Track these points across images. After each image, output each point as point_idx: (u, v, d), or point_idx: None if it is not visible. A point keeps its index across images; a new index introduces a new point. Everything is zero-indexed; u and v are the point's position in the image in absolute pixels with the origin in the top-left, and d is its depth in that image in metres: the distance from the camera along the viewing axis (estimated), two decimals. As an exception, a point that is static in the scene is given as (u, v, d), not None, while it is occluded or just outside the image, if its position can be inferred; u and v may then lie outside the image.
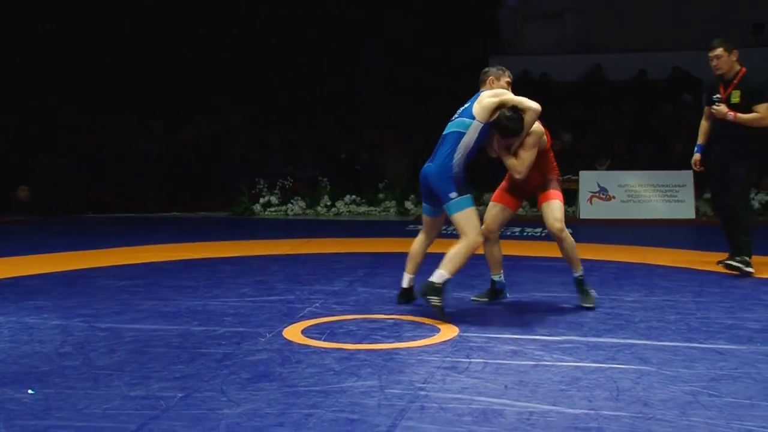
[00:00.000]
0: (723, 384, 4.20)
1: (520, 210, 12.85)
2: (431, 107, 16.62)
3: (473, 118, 5.69)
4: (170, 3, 17.79)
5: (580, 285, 6.08)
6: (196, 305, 6.21)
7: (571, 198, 13.05)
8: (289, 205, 13.91)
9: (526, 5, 20.15)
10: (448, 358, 4.73)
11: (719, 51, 7.60)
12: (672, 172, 12.85)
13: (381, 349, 4.94)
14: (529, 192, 6.27)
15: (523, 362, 4.64)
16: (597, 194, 12.72)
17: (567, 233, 5.99)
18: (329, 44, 18.28)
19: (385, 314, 5.89)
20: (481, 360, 4.70)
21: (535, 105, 5.72)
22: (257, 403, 3.94)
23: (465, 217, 5.62)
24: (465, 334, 5.29)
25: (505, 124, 5.70)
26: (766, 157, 7.72)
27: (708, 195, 12.70)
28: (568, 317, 5.77)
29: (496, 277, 6.33)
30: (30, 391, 4.13)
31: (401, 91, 17.47)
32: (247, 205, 13.88)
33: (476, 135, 5.69)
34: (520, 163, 5.86)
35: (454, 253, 5.59)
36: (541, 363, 4.62)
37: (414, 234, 10.71)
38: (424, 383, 4.25)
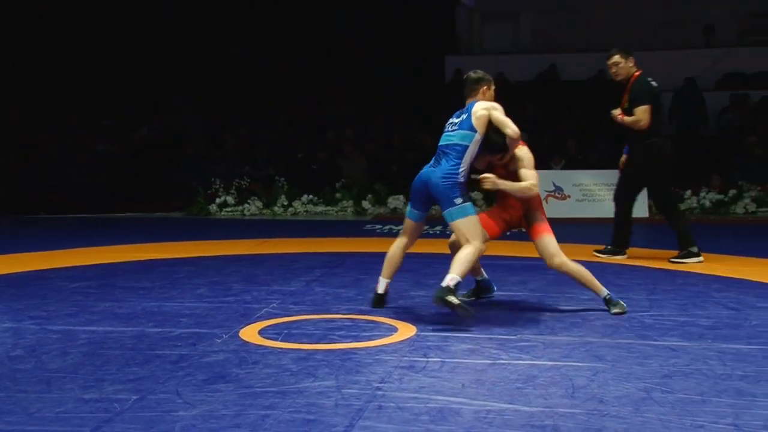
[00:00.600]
0: (675, 380, 4.25)
1: (478, 208, 13.03)
2: (388, 107, 16.69)
3: (475, 131, 5.66)
4: (125, 1, 17.65)
5: (609, 303, 5.90)
6: (152, 307, 6.16)
7: (527, 197, 13.17)
8: (246, 205, 13.84)
9: (482, 5, 20.26)
10: (405, 358, 4.73)
11: (617, 58, 8.16)
12: (626, 171, 12.95)
13: (338, 349, 4.93)
14: (513, 223, 6.08)
15: (479, 361, 4.66)
16: (552, 193, 12.81)
17: (568, 264, 5.84)
18: (285, 43, 18.24)
19: (342, 314, 5.89)
20: (438, 359, 4.71)
21: (513, 131, 5.65)
22: (213, 405, 3.91)
23: (469, 223, 5.59)
24: (422, 333, 5.30)
25: (494, 139, 5.68)
26: (668, 153, 8.20)
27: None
28: (524, 316, 5.81)
29: (479, 277, 6.29)
30: (-19, 395, 4.07)
31: (358, 90, 17.48)
32: (203, 205, 13.79)
33: (476, 148, 5.68)
34: (531, 182, 5.81)
35: (463, 257, 5.50)
36: (497, 361, 4.64)
37: (371, 233, 10.75)
38: (381, 383, 4.25)
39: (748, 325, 5.48)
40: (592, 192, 12.87)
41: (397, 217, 12.56)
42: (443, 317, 5.75)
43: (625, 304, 5.88)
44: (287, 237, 10.67)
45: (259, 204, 13.82)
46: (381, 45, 18.21)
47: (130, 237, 10.70)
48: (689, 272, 7.52)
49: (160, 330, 5.43)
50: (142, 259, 8.55)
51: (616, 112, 8.19)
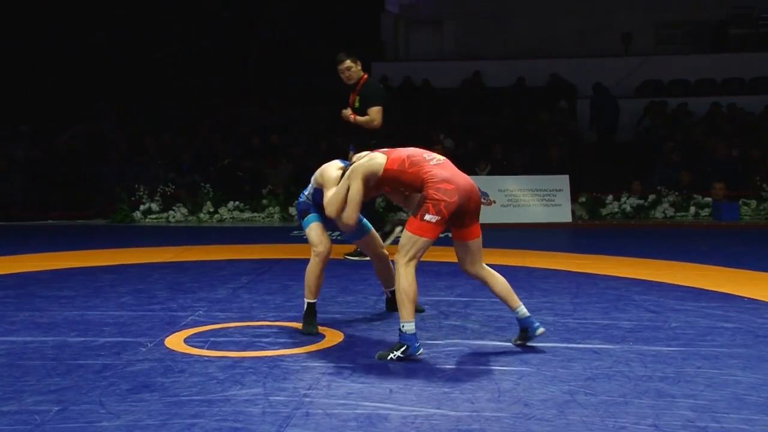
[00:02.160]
0: (598, 383, 4.32)
1: (404, 214, 13.07)
2: (314, 113, 16.66)
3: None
4: (46, 5, 17.31)
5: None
6: (74, 315, 6.04)
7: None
8: (171, 211, 13.67)
9: (406, 13, 20.36)
10: (332, 364, 4.72)
11: (348, 63, 8.36)
12: (549, 177, 13.17)
13: (265, 357, 4.89)
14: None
15: (408, 366, 4.67)
16: (478, 199, 12.91)
17: (400, 267, 4.76)
18: (208, 48, 18.10)
19: (269, 321, 5.85)
20: (366, 365, 4.71)
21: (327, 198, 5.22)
22: (138, 415, 3.85)
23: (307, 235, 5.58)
24: (349, 339, 5.30)
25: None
26: None
27: (583, 199, 13.14)
28: (451, 320, 5.84)
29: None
30: None
31: (284, 96, 17.42)
32: (127, 212, 13.57)
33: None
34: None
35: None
36: (425, 367, 4.66)
37: (298, 240, 10.70)
38: (309, 389, 4.24)
39: (667, 327, 5.60)
40: (517, 197, 13.02)
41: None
42: (370, 323, 5.76)
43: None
44: (213, 244, 10.57)
45: (185, 211, 13.66)
46: (307, 51, 18.17)
47: (51, 245, 10.48)
48: (611, 276, 7.65)
49: (82, 339, 5.32)
50: (64, 267, 8.37)
51: (348, 112, 8.39)
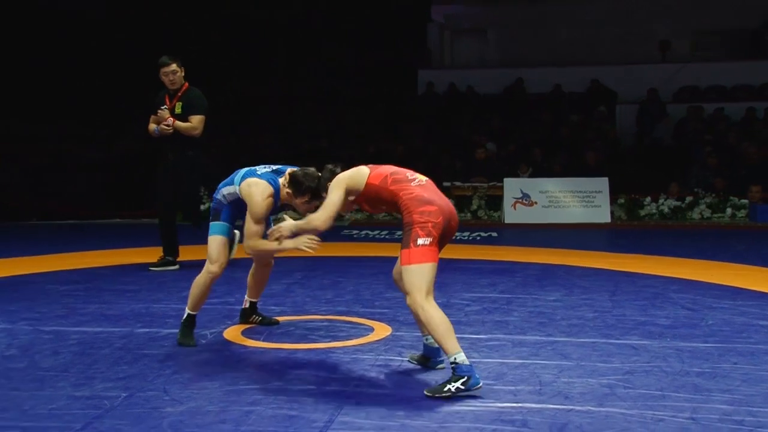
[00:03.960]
0: (637, 377, 4.29)
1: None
2: (363, 118, 16.70)
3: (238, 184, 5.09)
4: (111, 17, 17.57)
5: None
6: (140, 308, 6.13)
7: (496, 203, 13.23)
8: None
9: (451, 22, 20.30)
10: (381, 357, 4.74)
11: (174, 67, 7.83)
12: (589, 179, 13.06)
13: (318, 349, 4.93)
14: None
15: (452, 359, 4.67)
16: (520, 200, 12.87)
17: (423, 307, 4.15)
18: (268, 59, 18.25)
19: (321, 315, 5.89)
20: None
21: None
22: (199, 402, 3.90)
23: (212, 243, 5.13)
24: (397, 333, 5.32)
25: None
26: (203, 165, 8.04)
27: (622, 200, 13.02)
28: (494, 316, 5.83)
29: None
30: (-24, 394, 4.04)
31: (335, 102, 17.48)
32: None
33: (236, 198, 5.10)
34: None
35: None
36: (469, 360, 4.65)
37: (348, 238, 10.74)
38: (359, 380, 4.26)
39: (704, 325, 5.54)
40: (558, 199, 12.93)
41: (372, 223, 12.58)
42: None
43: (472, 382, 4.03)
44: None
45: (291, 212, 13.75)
46: (357, 60, 18.24)
47: (118, 242, 10.63)
48: (649, 275, 7.58)
49: (147, 330, 5.41)
50: (129, 263, 8.50)
51: (166, 114, 7.78)
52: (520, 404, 3.86)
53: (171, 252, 8.11)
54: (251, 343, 5.08)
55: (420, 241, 4.10)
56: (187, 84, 7.93)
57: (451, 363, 4.04)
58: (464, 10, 20.07)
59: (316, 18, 18.59)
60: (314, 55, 18.62)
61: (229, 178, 5.19)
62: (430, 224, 4.13)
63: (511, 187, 13.01)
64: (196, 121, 7.81)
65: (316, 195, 4.70)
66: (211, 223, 5.15)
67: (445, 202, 4.29)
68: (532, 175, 13.62)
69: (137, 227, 12.89)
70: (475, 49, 20.40)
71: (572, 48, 18.76)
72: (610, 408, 3.79)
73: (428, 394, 4.01)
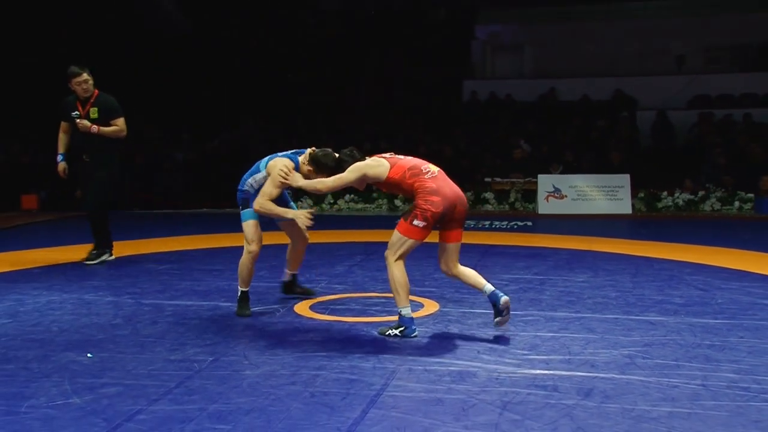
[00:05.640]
0: (654, 348, 4.22)
1: (489, 206, 12.98)
2: (415, 123, 16.67)
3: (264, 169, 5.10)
4: (199, 33, 17.80)
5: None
6: (224, 285, 6.20)
7: (531, 197, 13.11)
8: (299, 202, 13.86)
9: (493, 39, 20.20)
10: (429, 329, 4.73)
11: (86, 76, 7.24)
12: (613, 176, 12.88)
13: (375, 322, 4.94)
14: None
15: (492, 332, 4.65)
16: (552, 194, 12.71)
17: (390, 264, 4.57)
18: (331, 70, 18.32)
19: (378, 293, 5.89)
20: (458, 330, 4.70)
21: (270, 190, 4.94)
22: (273, 366, 3.94)
23: (243, 227, 5.17)
24: (444, 309, 5.30)
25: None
26: (118, 165, 7.56)
27: (642, 194, 12.80)
28: (529, 295, 5.78)
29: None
30: (88, 355, 4.13)
31: (391, 109, 17.48)
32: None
33: (264, 181, 5.09)
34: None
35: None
36: (506, 333, 4.63)
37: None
38: (411, 349, 4.26)
39: (714, 303, 5.42)
40: (585, 193, 12.75)
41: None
42: (462, 296, 5.74)
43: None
44: (333, 229, 10.68)
45: (310, 202, 13.84)
46: (412, 72, 18.23)
47: (205, 228, 10.76)
48: (665, 259, 7.43)
49: (230, 304, 5.47)
50: (215, 246, 8.60)
51: (88, 123, 7.22)
52: (551, 371, 3.82)
53: (105, 244, 7.55)
54: (317, 316, 5.11)
55: (415, 222, 4.45)
56: (97, 91, 7.37)
57: (398, 313, 4.52)
58: (504, 28, 19.96)
59: (381, 36, 18.66)
60: (374, 68, 18.64)
61: (253, 168, 5.21)
62: (429, 212, 4.42)
63: (545, 182, 12.87)
64: (120, 123, 7.36)
65: (333, 172, 4.76)
66: (242, 212, 5.19)
67: (451, 190, 4.52)
68: (562, 172, 13.45)
69: (220, 216, 13.03)
70: (513, 62, 20.22)
71: (599, 61, 18.51)
72: (630, 375, 3.73)
73: (378, 332, 4.57)
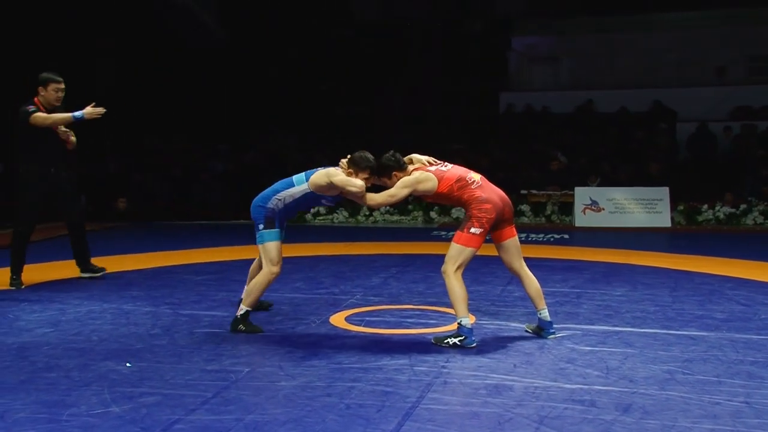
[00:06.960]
0: (695, 364, 4.16)
1: (525, 219, 12.91)
2: (448, 134, 16.67)
3: (305, 182, 5.02)
4: (235, 44, 18.01)
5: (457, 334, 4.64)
6: (260, 296, 6.22)
7: (568, 209, 13.01)
8: (335, 214, 13.93)
9: (529, 51, 20.16)
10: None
11: (63, 85, 6.72)
12: (651, 188, 12.73)
13: (410, 334, 4.94)
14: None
15: (528, 345, 4.62)
16: (589, 206, 12.61)
17: (449, 275, 4.65)
18: (365, 82, 18.42)
19: (414, 305, 5.89)
20: (493, 343, 4.68)
21: (356, 186, 4.91)
22: (309, 377, 3.95)
23: (265, 249, 5.04)
24: (480, 321, 5.27)
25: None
26: (35, 181, 6.77)
27: (681, 207, 12.63)
28: (566, 308, 5.73)
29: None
30: (127, 364, 4.18)
31: (426, 121, 17.50)
32: (301, 214, 13.90)
33: (300, 195, 5.03)
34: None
35: (252, 286, 5.10)
36: (543, 346, 4.59)
37: (437, 239, 10.70)
38: (446, 362, 4.25)
39: (757, 319, 5.33)
40: (623, 205, 12.62)
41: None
42: (498, 309, 5.71)
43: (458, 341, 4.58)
44: (368, 241, 10.71)
45: (346, 214, 13.89)
46: (451, 85, 18.26)
47: (241, 240, 10.83)
48: (706, 273, 7.32)
49: (266, 315, 5.51)
50: (251, 258, 8.63)
51: (71, 132, 6.76)
52: (588, 386, 3.78)
53: (85, 263, 7.15)
54: (353, 328, 5.12)
55: (473, 230, 4.65)
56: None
57: (457, 323, 4.60)
58: (540, 40, 19.92)
59: (417, 47, 18.75)
60: (410, 80, 18.68)
61: (278, 184, 5.11)
62: (484, 219, 4.65)
63: (582, 194, 12.77)
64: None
65: (375, 172, 4.97)
66: (265, 231, 5.03)
67: (498, 195, 4.78)
68: (600, 185, 13.34)
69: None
70: (549, 74, 20.14)
71: (636, 72, 18.37)
72: (670, 392, 3.68)
73: (433, 341, 4.65)
